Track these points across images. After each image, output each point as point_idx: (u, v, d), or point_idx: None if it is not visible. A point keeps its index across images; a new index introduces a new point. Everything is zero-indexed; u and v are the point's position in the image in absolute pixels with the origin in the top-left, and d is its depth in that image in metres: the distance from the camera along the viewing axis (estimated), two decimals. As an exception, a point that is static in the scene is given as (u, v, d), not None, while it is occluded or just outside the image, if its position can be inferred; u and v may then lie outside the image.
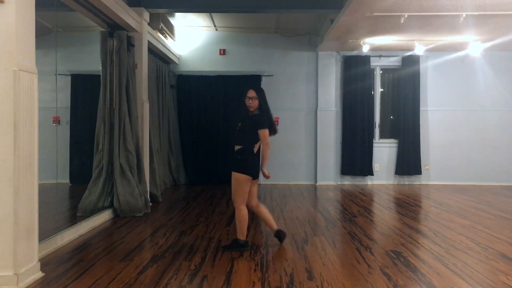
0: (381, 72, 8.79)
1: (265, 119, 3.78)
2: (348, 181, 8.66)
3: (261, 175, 3.88)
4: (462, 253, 3.80)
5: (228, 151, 8.37)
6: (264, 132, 3.73)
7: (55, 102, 4.64)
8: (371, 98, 8.60)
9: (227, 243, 3.98)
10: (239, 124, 3.83)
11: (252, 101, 3.76)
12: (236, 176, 3.76)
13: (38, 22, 3.27)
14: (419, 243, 4.15)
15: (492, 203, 6.44)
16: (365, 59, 8.42)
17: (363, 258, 3.64)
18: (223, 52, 8.59)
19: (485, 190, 7.78)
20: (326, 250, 3.88)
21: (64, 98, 5.48)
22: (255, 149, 3.81)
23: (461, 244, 4.08)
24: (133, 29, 5.68)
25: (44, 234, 3.71)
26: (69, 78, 5.61)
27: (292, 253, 3.77)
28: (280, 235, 4.07)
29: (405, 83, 8.51)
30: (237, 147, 3.81)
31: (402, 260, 3.58)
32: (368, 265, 3.44)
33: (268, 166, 3.88)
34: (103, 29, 5.30)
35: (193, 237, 4.34)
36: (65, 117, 5.44)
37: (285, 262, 3.52)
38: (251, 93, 3.77)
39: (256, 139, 3.78)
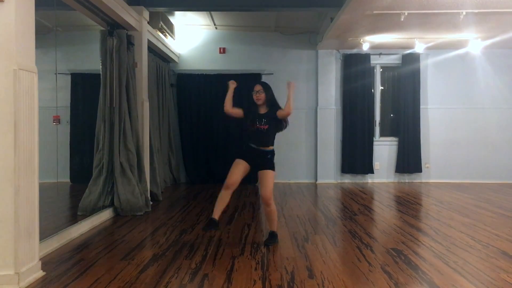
0: (381, 70, 8.78)
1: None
2: (348, 179, 8.65)
3: None
4: (463, 251, 3.80)
5: (229, 149, 8.47)
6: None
7: (55, 101, 4.64)
8: (371, 96, 8.60)
9: (267, 239, 4.04)
10: (261, 125, 3.95)
11: (259, 94, 4.00)
12: (272, 174, 3.97)
13: (37, 21, 3.26)
14: (419, 241, 4.15)
15: (492, 201, 6.44)
16: (365, 57, 8.41)
17: (364, 256, 3.65)
18: (223, 50, 8.58)
19: (485, 188, 7.78)
20: (327, 248, 3.88)
21: (64, 97, 5.48)
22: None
23: (462, 242, 4.08)
24: (133, 28, 5.67)
25: (45, 233, 3.72)
26: (69, 77, 5.62)
27: (293, 251, 3.77)
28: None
29: (405, 81, 8.50)
30: (265, 148, 3.98)
31: (402, 258, 3.58)
32: (369, 263, 3.44)
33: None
34: (102, 28, 5.29)
35: (194, 235, 4.35)
36: (65, 116, 5.44)
37: (286, 260, 3.52)
38: (258, 87, 4.05)
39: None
